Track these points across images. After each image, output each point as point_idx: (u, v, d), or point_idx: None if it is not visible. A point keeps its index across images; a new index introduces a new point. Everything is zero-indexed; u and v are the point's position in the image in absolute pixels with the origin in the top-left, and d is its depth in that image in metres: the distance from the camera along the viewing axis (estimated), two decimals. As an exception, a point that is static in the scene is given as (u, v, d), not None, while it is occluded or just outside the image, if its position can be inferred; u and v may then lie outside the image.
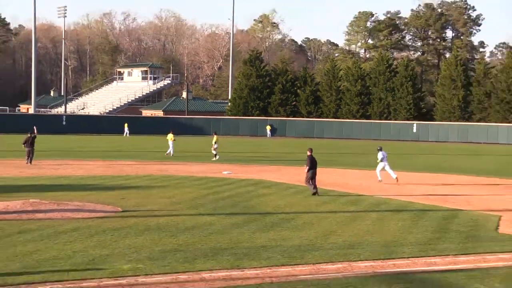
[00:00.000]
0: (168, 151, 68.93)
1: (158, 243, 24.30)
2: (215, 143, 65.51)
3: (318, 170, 38.87)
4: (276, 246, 24.06)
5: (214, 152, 64.81)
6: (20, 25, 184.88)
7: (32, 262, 21.04)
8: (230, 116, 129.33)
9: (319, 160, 39.84)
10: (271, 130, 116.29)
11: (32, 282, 18.71)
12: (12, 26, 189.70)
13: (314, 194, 38.33)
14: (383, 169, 46.52)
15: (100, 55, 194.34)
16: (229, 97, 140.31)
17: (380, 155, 46.12)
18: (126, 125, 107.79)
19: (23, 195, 35.53)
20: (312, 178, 38.97)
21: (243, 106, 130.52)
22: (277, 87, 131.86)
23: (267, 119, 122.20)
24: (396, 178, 45.85)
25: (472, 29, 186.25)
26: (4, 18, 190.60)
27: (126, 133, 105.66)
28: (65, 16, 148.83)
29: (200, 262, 21.47)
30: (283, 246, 24.17)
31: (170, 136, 68.84)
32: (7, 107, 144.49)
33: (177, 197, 36.70)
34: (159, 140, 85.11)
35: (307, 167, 38.93)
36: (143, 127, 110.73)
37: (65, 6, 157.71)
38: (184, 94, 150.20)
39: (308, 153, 39.81)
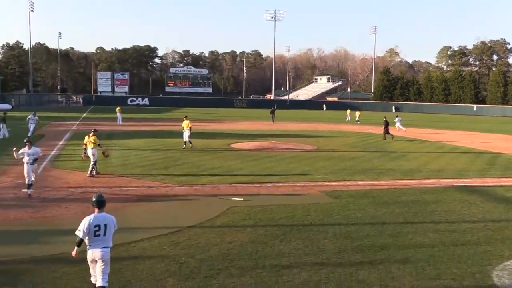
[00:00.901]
0: (347, 118, 65.95)
1: (335, 165, 24.02)
2: (359, 115, 63.42)
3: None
4: (397, 169, 23.19)
5: (357, 119, 62.50)
6: (267, 56, 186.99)
7: (272, 171, 21.41)
8: (372, 100, 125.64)
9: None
10: (395, 108, 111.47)
11: (271, 181, 19.03)
12: (264, 56, 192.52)
13: (384, 139, 38.10)
14: (399, 126, 46.00)
15: (305, 70, 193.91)
16: (372, 91, 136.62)
17: (396, 119, 46.42)
18: (324, 105, 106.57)
19: (268, 138, 36.24)
20: (386, 132, 38.81)
21: (380, 95, 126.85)
22: (398, 86, 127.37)
23: (393, 102, 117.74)
24: (405, 130, 45.39)
25: (508, 54, 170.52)
26: (260, 51, 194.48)
27: (324, 109, 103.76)
28: (289, 51, 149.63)
29: (356, 176, 21.07)
30: (401, 169, 23.26)
31: (348, 111, 67.06)
32: (260, 95, 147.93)
33: (344, 142, 36.12)
34: (339, 113, 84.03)
35: (384, 127, 39.26)
36: (329, 106, 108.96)
37: (289, 46, 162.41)
38: (348, 89, 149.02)
39: (384, 119, 40.03)
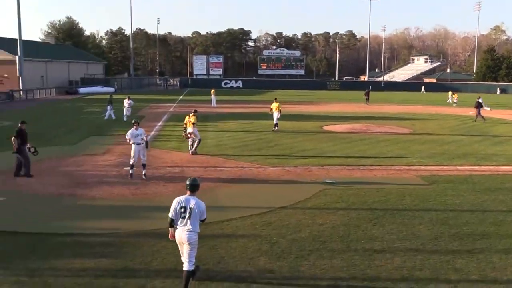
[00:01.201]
0: (448, 100, 61.03)
1: (432, 149, 23.10)
2: (456, 97, 58.86)
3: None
4: (501, 154, 21.85)
5: (455, 101, 58.23)
6: (361, 36, 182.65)
7: (365, 154, 20.99)
8: (474, 82, 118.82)
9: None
10: (500, 90, 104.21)
11: (364, 164, 18.67)
12: (358, 36, 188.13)
13: (484, 120, 36.47)
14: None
15: (402, 50, 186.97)
16: (474, 71, 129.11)
17: (480, 100, 41.58)
18: (423, 87, 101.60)
19: (362, 121, 35.51)
20: (478, 113, 37.33)
21: (482, 76, 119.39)
22: (503, 66, 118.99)
23: (497, 83, 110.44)
24: (490, 109, 44.11)
25: None
26: (354, 32, 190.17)
27: (423, 91, 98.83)
28: (384, 31, 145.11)
29: (455, 160, 20.14)
30: (505, 154, 21.89)
31: (449, 93, 62.72)
32: (353, 77, 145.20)
33: (442, 125, 34.47)
34: (438, 95, 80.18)
35: (475, 107, 37.96)
36: (428, 87, 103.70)
37: (384, 25, 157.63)
38: (448, 70, 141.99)
39: (477, 100, 38.85)
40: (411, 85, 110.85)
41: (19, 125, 16.43)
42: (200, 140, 21.00)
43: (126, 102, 35.85)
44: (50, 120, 34.72)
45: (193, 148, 20.78)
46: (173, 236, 8.20)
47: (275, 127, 29.36)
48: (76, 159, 19.56)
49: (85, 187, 14.92)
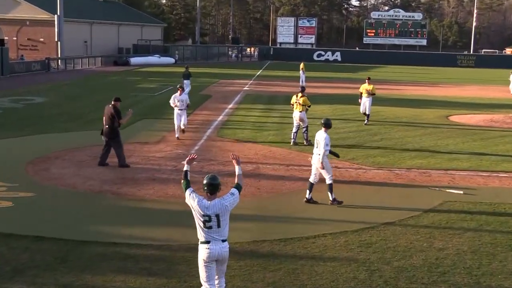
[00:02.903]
0: None
1: None
2: None
3: None
4: None
5: None
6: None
7: (507, 156, 20.23)
8: None
9: None
10: None
11: (505, 171, 18.08)
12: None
13: None
14: None
15: None
16: None
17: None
18: None
19: (505, 110, 34.20)
20: None
21: None
22: None
23: None
24: None
25: None
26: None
27: None
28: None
29: None
30: None
31: None
32: (496, 50, 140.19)
33: None
34: None
35: None
36: None
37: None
38: None
39: None
40: None
41: (114, 102, 17.41)
42: (307, 127, 21.63)
43: (174, 99, 22.71)
44: (93, 97, 36.08)
45: (304, 136, 21.49)
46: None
47: (367, 120, 27.99)
48: (124, 147, 20.18)
49: (132, 184, 15.41)
